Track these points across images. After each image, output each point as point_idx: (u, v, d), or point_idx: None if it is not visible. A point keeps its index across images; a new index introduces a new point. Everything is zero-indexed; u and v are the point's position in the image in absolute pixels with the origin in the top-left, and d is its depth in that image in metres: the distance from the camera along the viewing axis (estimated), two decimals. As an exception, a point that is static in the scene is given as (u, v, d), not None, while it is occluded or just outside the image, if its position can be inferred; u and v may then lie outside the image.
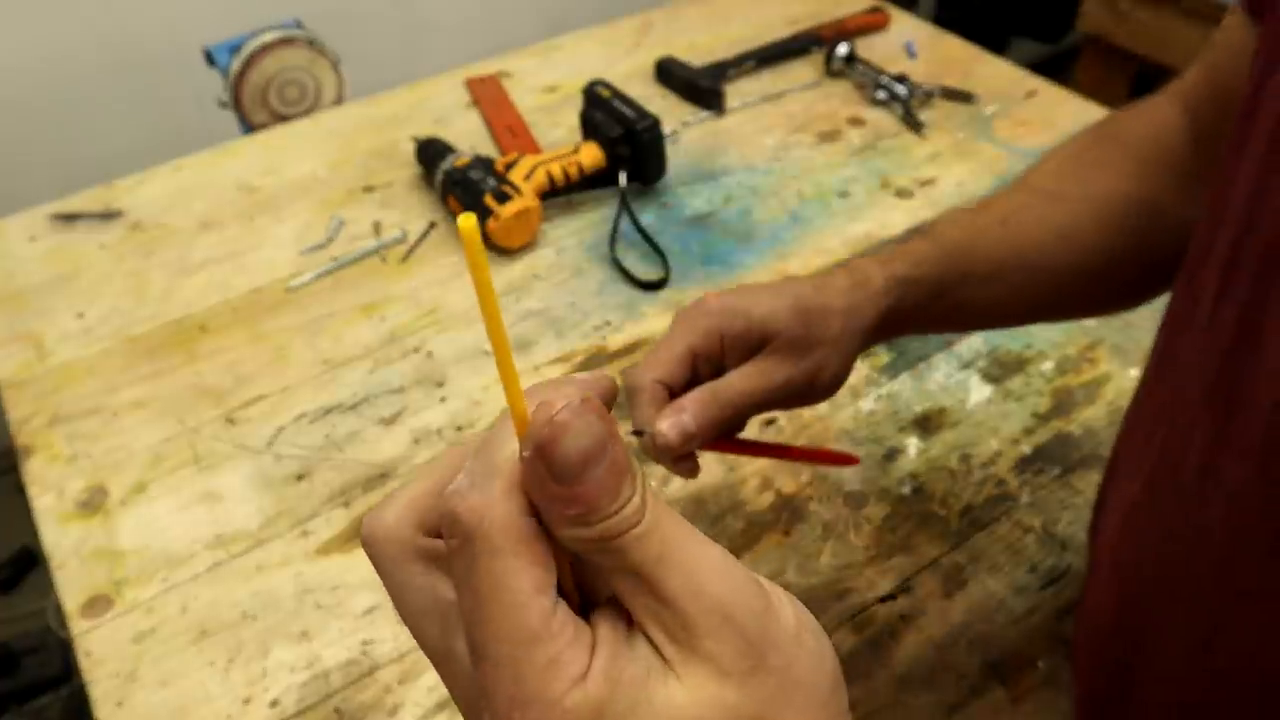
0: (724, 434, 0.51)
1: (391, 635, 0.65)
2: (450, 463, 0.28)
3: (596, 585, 0.27)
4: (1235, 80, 0.45)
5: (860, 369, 0.83)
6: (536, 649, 0.24)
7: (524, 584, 0.24)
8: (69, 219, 1.01)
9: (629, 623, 0.25)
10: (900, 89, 1.12)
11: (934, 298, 0.54)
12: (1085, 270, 0.57)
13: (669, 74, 1.18)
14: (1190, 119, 0.57)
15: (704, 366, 0.51)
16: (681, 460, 0.51)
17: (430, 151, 1.01)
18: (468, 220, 0.23)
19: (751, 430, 0.77)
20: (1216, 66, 0.54)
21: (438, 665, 0.27)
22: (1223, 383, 0.40)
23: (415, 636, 0.27)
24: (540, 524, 0.25)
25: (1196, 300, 0.44)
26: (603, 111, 1.00)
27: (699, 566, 0.24)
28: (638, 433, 0.48)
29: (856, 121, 1.12)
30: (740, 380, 0.49)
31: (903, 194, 1.02)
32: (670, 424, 0.48)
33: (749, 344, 0.50)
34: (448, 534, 0.25)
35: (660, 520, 0.24)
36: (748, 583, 0.25)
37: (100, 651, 0.65)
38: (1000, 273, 0.55)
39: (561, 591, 0.25)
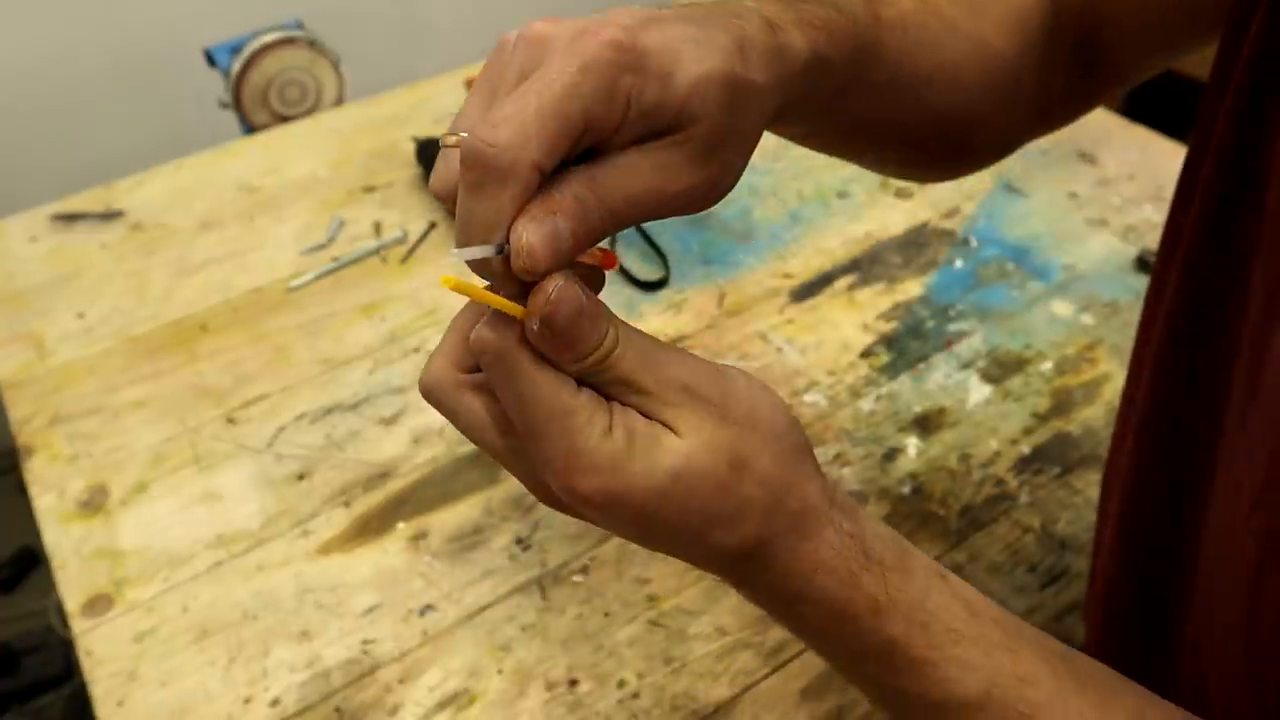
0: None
1: (392, 635, 0.65)
2: (469, 314, 0.37)
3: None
4: None
5: (860, 369, 0.83)
6: (571, 417, 0.33)
7: (549, 377, 0.33)
8: (70, 219, 1.01)
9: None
10: (900, 89, 1.12)
11: (835, 91, 0.44)
12: (945, 114, 0.51)
13: (669, 74, 1.17)
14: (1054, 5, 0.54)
15: (586, 135, 0.33)
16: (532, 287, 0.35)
17: (431, 152, 1.01)
18: (448, 280, 0.31)
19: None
20: None
21: (502, 461, 0.36)
22: (1254, 354, 0.39)
23: (480, 446, 0.36)
24: (559, 374, 0.33)
25: (1220, 281, 0.43)
26: (603, 112, 1.00)
27: (665, 362, 0.35)
28: (498, 249, 0.32)
29: (856, 122, 1.12)
30: (635, 180, 0.34)
31: (902, 194, 1.02)
32: (541, 234, 0.32)
33: (657, 121, 0.34)
34: (481, 359, 0.34)
35: (631, 339, 0.35)
36: (702, 364, 0.35)
37: (101, 651, 0.65)
38: (888, 78, 0.47)
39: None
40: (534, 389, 0.33)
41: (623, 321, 0.35)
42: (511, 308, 0.33)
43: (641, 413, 0.35)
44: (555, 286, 0.32)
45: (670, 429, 0.34)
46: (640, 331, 0.35)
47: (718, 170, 0.39)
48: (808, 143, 0.51)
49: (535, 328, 0.32)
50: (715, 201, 0.40)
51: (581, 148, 0.34)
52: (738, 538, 0.35)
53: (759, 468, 0.35)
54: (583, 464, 0.33)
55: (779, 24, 0.40)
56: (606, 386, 0.34)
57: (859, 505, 0.39)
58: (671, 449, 0.34)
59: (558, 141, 0.32)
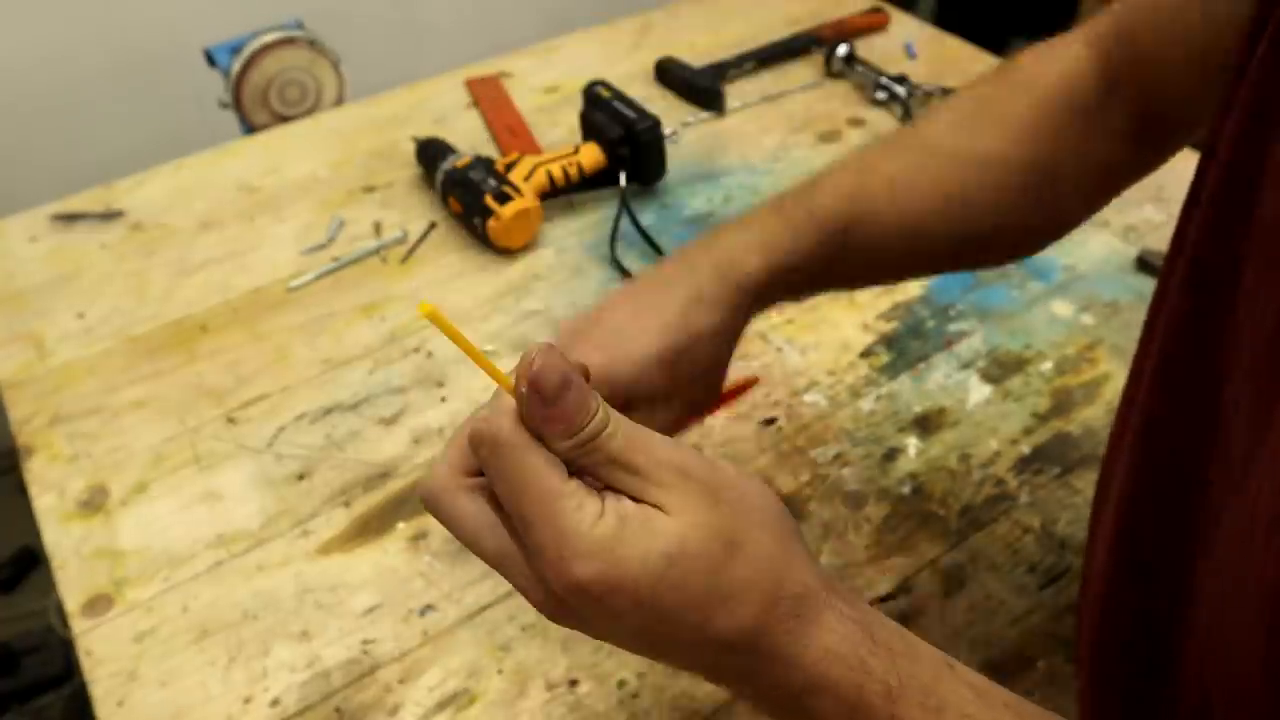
0: None
1: (392, 635, 0.65)
2: (469, 426, 0.37)
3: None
4: (1147, 31, 0.46)
5: (860, 369, 0.83)
6: (562, 501, 0.33)
7: (541, 462, 0.34)
8: (70, 219, 1.01)
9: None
10: (900, 89, 1.12)
11: (808, 279, 0.52)
12: (970, 236, 0.55)
13: (669, 74, 1.18)
14: (1101, 63, 0.55)
15: None
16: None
17: (431, 152, 1.01)
18: (425, 306, 0.32)
19: (749, 428, 0.78)
20: (1131, 14, 0.53)
21: (497, 567, 0.36)
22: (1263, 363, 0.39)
23: (477, 553, 0.36)
24: (551, 457, 0.34)
25: (1217, 288, 0.43)
26: (603, 112, 1.00)
27: (656, 445, 0.35)
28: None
29: (856, 122, 1.12)
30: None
31: (902, 194, 1.02)
32: (551, 361, 0.36)
33: (616, 402, 0.42)
34: (478, 452, 0.35)
35: (621, 422, 0.35)
36: (692, 450, 0.36)
37: (101, 651, 0.65)
38: (883, 242, 0.52)
39: None
40: (526, 473, 0.34)
41: (613, 409, 0.36)
42: (501, 376, 0.35)
43: (632, 495, 0.34)
44: (538, 350, 0.33)
45: (662, 510, 0.34)
46: (625, 418, 0.36)
47: (684, 400, 0.47)
48: (816, 294, 0.56)
49: (524, 390, 0.34)
50: (706, 403, 0.49)
51: None
52: (738, 621, 0.34)
53: (755, 549, 0.35)
54: (576, 549, 0.33)
55: (731, 254, 0.47)
56: (598, 468, 0.35)
57: (859, 594, 0.39)
58: (665, 531, 0.34)
59: None
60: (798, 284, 0.51)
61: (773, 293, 0.50)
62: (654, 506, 0.34)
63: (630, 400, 0.46)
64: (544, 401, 0.33)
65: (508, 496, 0.35)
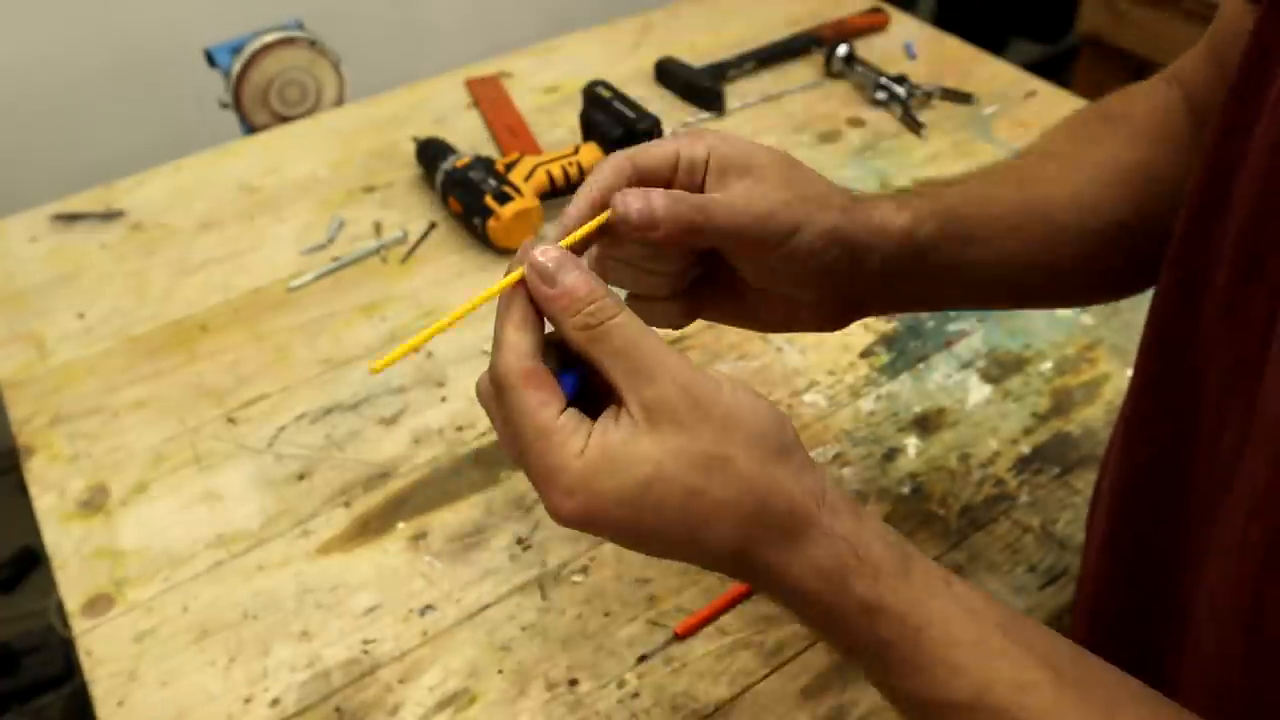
0: (685, 241, 0.45)
1: (392, 634, 0.65)
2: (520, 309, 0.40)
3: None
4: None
5: (860, 369, 0.83)
6: (550, 438, 0.36)
7: (532, 401, 0.37)
8: (70, 219, 1.01)
9: (618, 408, 0.37)
10: (900, 89, 1.12)
11: (918, 253, 0.51)
12: (1095, 233, 0.55)
13: (669, 74, 1.18)
14: (1188, 102, 0.56)
15: (684, 177, 0.46)
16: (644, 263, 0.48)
17: (431, 152, 1.01)
18: (375, 366, 0.39)
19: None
20: (1217, 50, 0.54)
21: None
22: (1251, 368, 0.40)
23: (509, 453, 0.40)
24: (542, 369, 0.38)
25: (1195, 287, 0.44)
26: (603, 112, 1.00)
27: (660, 349, 0.37)
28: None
29: (856, 122, 1.12)
30: (717, 202, 0.45)
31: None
32: (635, 196, 0.42)
33: (733, 173, 0.46)
34: (482, 399, 0.40)
35: (633, 320, 0.37)
36: (692, 365, 0.38)
37: (101, 651, 0.65)
38: (1014, 229, 0.53)
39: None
40: (520, 411, 0.37)
41: (626, 306, 0.39)
42: (503, 283, 0.39)
43: (625, 399, 0.37)
44: (532, 240, 0.39)
45: (648, 422, 0.37)
46: (641, 322, 0.38)
47: (789, 223, 0.46)
48: (942, 296, 0.57)
49: (526, 275, 0.38)
50: (780, 237, 0.47)
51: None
52: (720, 540, 0.37)
53: (735, 469, 0.37)
54: (559, 484, 0.37)
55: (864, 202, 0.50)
56: (604, 359, 0.37)
57: (859, 505, 0.40)
58: (643, 458, 0.36)
59: (652, 159, 0.45)
60: (916, 243, 0.51)
61: (904, 259, 0.50)
62: (644, 410, 0.37)
63: (750, 171, 0.46)
64: (546, 281, 0.37)
65: (505, 434, 0.39)
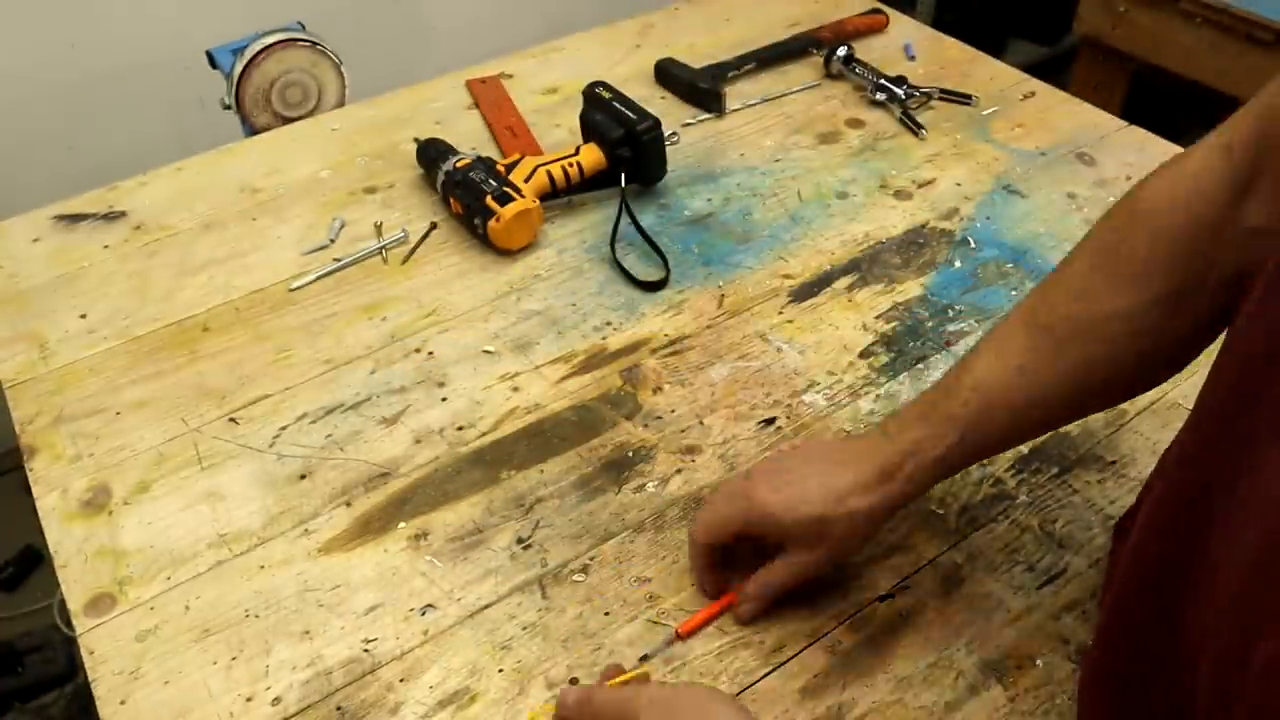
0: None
1: (393, 634, 0.66)
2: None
3: None
4: None
5: (860, 369, 0.83)
6: None
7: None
8: (72, 220, 1.02)
9: None
10: (899, 91, 1.13)
11: (952, 468, 0.63)
12: (1098, 393, 0.61)
13: (669, 75, 1.18)
14: (1233, 166, 0.55)
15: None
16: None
17: (431, 152, 1.01)
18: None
19: (748, 428, 0.78)
20: (1268, 114, 0.53)
21: None
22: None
23: None
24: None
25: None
26: (603, 113, 1.00)
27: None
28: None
29: (855, 123, 1.12)
30: (779, 573, 0.64)
31: (901, 195, 1.02)
32: (747, 610, 0.66)
33: (777, 538, 0.64)
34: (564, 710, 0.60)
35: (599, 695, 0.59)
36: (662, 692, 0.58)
37: (104, 650, 0.65)
38: (1018, 422, 0.61)
39: None
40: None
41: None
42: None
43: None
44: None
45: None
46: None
47: (827, 557, 0.63)
48: (973, 464, 0.68)
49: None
50: (842, 560, 0.66)
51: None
52: None
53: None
54: None
55: (889, 457, 0.61)
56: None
57: None
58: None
59: (716, 540, 0.66)
60: (940, 474, 0.62)
61: (919, 487, 0.62)
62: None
63: (787, 539, 0.63)
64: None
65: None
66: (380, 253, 0.96)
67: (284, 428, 0.80)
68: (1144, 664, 0.51)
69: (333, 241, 0.98)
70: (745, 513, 0.63)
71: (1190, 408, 0.50)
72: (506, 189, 0.94)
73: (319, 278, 0.94)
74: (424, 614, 0.67)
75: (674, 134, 1.09)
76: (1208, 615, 0.44)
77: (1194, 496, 0.47)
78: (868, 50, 1.22)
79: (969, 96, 1.13)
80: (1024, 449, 0.76)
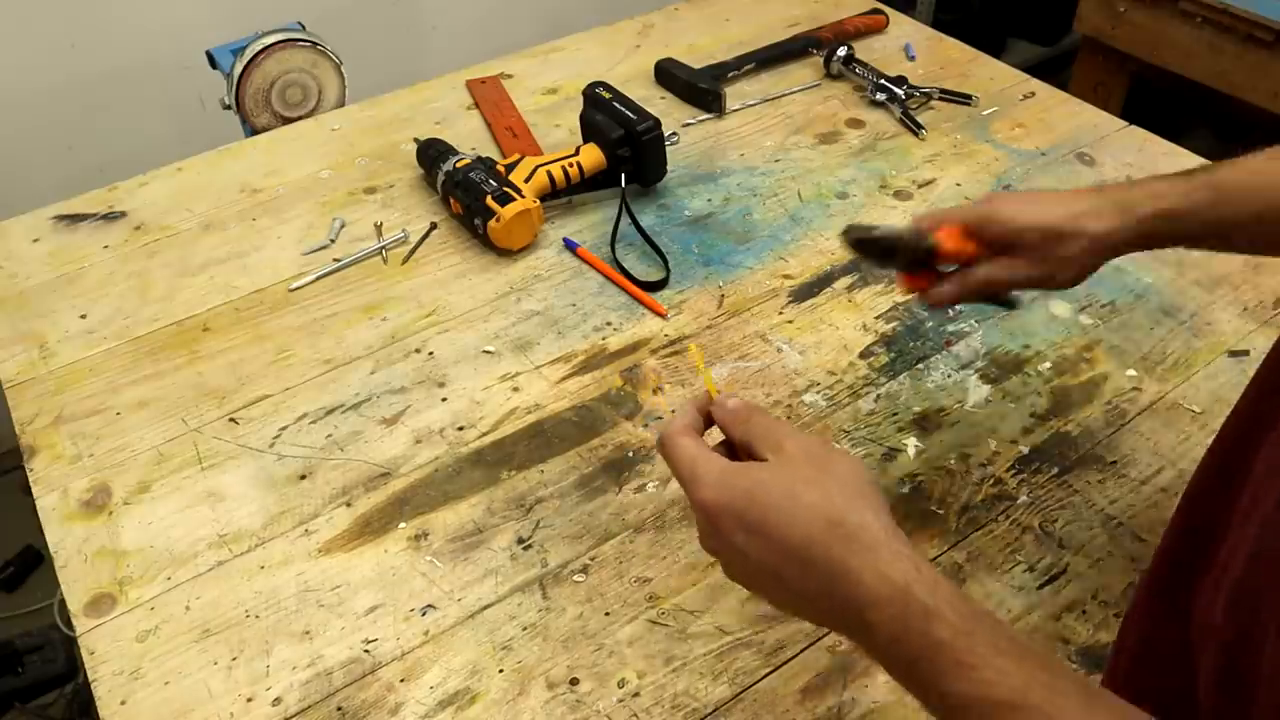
0: None
1: (393, 634, 0.66)
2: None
3: None
4: None
5: (860, 369, 0.83)
6: (701, 458, 0.50)
7: (691, 441, 0.51)
8: (72, 220, 1.02)
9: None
10: (899, 91, 1.13)
11: (1189, 232, 0.63)
12: None
13: (669, 76, 1.18)
14: None
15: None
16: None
17: (431, 153, 1.01)
18: (698, 355, 0.62)
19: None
20: None
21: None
22: None
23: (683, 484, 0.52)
24: (695, 437, 0.53)
25: None
26: (603, 113, 1.00)
27: (785, 428, 0.52)
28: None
29: (855, 123, 1.12)
30: (985, 271, 0.65)
31: (901, 195, 1.02)
32: (945, 294, 0.66)
33: (1004, 242, 0.64)
34: (659, 446, 0.53)
35: (759, 415, 0.53)
36: (804, 435, 0.51)
37: (104, 650, 0.65)
38: (1259, 221, 0.61)
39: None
40: (680, 448, 0.51)
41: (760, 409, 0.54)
42: (712, 389, 0.56)
43: (760, 453, 0.50)
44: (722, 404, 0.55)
45: (774, 463, 0.49)
46: (768, 414, 0.54)
47: (1046, 272, 0.64)
48: (1220, 248, 0.68)
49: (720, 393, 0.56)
50: (1057, 287, 0.66)
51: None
52: (805, 530, 0.46)
53: (827, 490, 0.47)
54: (701, 482, 0.49)
55: (1131, 195, 0.62)
56: (747, 435, 0.52)
57: (920, 550, 0.43)
58: (762, 469, 0.49)
59: (951, 226, 0.65)
60: (1177, 233, 0.63)
61: (1154, 235, 0.62)
62: (774, 457, 0.49)
63: (1013, 244, 0.63)
64: (719, 403, 0.55)
65: (673, 465, 0.51)
66: (380, 253, 0.96)
67: (284, 428, 0.80)
68: (1159, 651, 0.52)
69: (333, 242, 0.98)
70: (986, 210, 0.64)
71: (1190, 408, 0.51)
72: (506, 189, 0.94)
73: (319, 278, 0.94)
74: (424, 614, 0.67)
75: (674, 134, 1.09)
76: (1212, 607, 0.45)
77: (1214, 486, 0.49)
78: (868, 50, 1.22)
79: (969, 96, 1.13)
80: (1024, 449, 0.76)
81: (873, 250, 0.66)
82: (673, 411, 0.80)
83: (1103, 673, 0.61)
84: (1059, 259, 0.63)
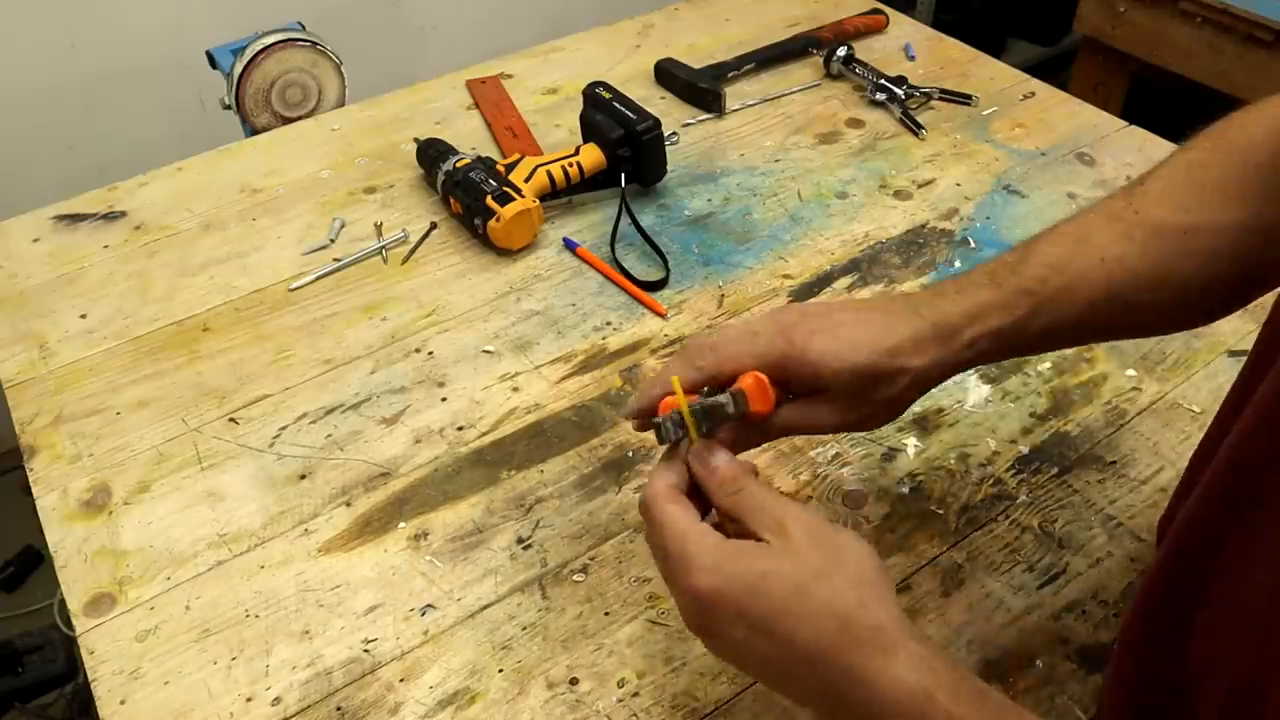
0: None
1: (393, 634, 0.66)
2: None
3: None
4: None
5: (859, 369, 0.83)
6: (692, 534, 0.46)
7: (679, 509, 0.47)
8: (72, 220, 1.02)
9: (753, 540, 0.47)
10: (899, 91, 1.13)
11: (1014, 347, 0.57)
12: (1177, 304, 0.57)
13: (669, 75, 1.18)
14: None
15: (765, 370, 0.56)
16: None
17: (431, 153, 1.01)
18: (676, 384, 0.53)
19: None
20: None
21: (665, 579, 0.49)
22: None
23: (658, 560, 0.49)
24: (686, 505, 0.49)
25: None
26: (603, 113, 1.00)
27: (786, 504, 0.47)
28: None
29: (855, 123, 1.12)
30: (789, 416, 0.56)
31: (901, 195, 1.02)
32: (724, 465, 0.53)
33: (809, 386, 0.55)
34: (641, 510, 0.49)
35: (751, 485, 0.48)
36: (808, 511, 0.48)
37: (104, 649, 0.65)
38: (1089, 314, 0.56)
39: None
40: (667, 516, 0.47)
41: (759, 478, 0.50)
42: (693, 430, 0.51)
43: (755, 532, 0.46)
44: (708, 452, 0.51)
45: (777, 546, 0.45)
46: (766, 487, 0.49)
47: (859, 417, 0.56)
48: (1036, 352, 0.61)
49: (701, 441, 0.51)
50: (867, 429, 0.58)
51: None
52: (817, 634, 0.43)
53: (839, 583, 0.44)
54: (694, 565, 0.45)
55: (946, 316, 0.55)
56: (740, 508, 0.48)
57: (937, 645, 0.45)
58: (765, 556, 0.45)
59: (741, 364, 0.54)
60: (1003, 350, 0.56)
61: (978, 357, 0.56)
62: (765, 541, 0.45)
63: (823, 389, 0.55)
64: (702, 461, 0.51)
65: (654, 537, 0.48)
66: (380, 253, 0.96)
67: (284, 428, 0.80)
68: (1154, 695, 0.50)
69: (333, 241, 0.98)
70: (783, 351, 0.54)
71: (1190, 408, 0.50)
72: (506, 189, 0.94)
73: (319, 278, 0.94)
74: (424, 614, 0.67)
75: (674, 134, 1.09)
76: (1215, 647, 0.44)
77: (1209, 530, 0.46)
78: (868, 50, 1.22)
79: (969, 96, 1.13)
80: (1024, 449, 0.76)
81: (668, 432, 0.53)
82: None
83: None
84: (874, 403, 0.55)
